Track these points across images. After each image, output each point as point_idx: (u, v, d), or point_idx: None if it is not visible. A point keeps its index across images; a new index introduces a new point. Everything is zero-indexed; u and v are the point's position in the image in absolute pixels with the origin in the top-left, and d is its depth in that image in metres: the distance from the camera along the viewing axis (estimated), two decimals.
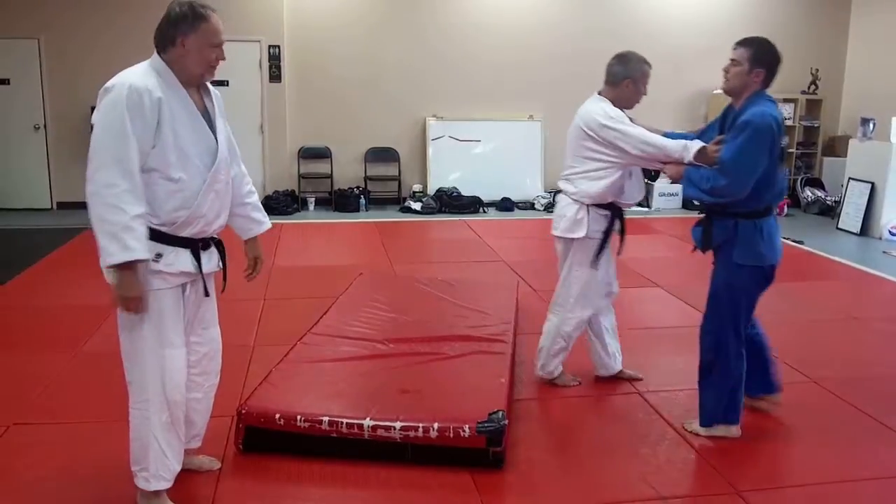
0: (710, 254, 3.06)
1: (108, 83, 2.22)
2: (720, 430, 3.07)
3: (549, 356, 3.54)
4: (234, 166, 2.57)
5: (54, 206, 8.42)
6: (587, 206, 3.33)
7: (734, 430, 3.07)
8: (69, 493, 2.63)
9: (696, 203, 3.18)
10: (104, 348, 3.99)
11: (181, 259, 2.35)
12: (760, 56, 2.88)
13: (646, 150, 3.12)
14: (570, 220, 3.37)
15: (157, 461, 2.39)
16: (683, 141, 3.03)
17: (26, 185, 8.37)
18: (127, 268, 2.18)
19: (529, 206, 9.01)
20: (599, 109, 3.26)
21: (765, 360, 3.25)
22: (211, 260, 2.47)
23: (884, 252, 6.93)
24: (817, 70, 9.41)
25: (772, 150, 2.81)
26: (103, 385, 3.49)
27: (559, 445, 3.05)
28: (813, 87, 9.46)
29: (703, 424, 3.10)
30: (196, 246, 2.38)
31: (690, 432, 3.11)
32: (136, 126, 2.17)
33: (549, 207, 8.82)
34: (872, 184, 7.64)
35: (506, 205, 8.90)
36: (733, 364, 3.01)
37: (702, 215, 3.09)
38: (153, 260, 2.26)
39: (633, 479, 2.80)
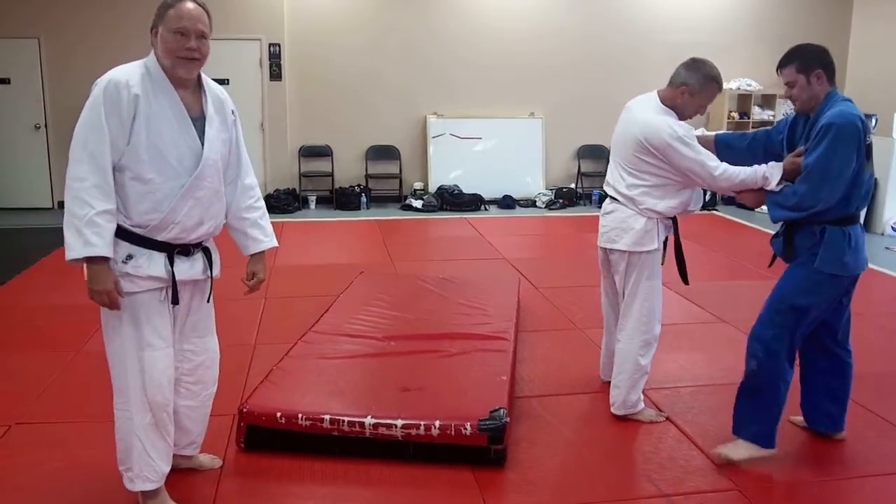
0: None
1: (99, 79, 2.19)
2: (759, 452, 2.81)
3: (628, 390, 3.19)
4: (239, 179, 2.48)
5: (55, 206, 8.41)
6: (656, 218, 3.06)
7: (772, 452, 2.83)
8: (70, 493, 2.62)
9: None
10: (105, 348, 3.98)
11: (153, 263, 2.25)
12: (807, 61, 2.69)
13: (719, 185, 2.90)
14: (639, 232, 3.04)
15: (141, 462, 2.36)
16: (762, 168, 2.82)
17: (27, 184, 8.38)
18: (95, 261, 2.14)
19: (531, 203, 8.99)
20: (664, 124, 2.91)
21: (845, 393, 2.98)
22: (193, 267, 2.37)
23: (886, 248, 6.92)
24: None
25: (858, 149, 2.63)
26: (103, 385, 3.46)
27: (561, 443, 3.04)
28: None
29: (742, 437, 2.83)
30: (172, 251, 2.28)
31: (724, 457, 2.83)
32: (111, 121, 2.13)
33: (551, 205, 8.83)
34: (875, 180, 7.61)
35: (507, 202, 8.89)
36: (783, 382, 2.77)
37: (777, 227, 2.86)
38: (122, 261, 2.20)
39: (635, 477, 2.80)
